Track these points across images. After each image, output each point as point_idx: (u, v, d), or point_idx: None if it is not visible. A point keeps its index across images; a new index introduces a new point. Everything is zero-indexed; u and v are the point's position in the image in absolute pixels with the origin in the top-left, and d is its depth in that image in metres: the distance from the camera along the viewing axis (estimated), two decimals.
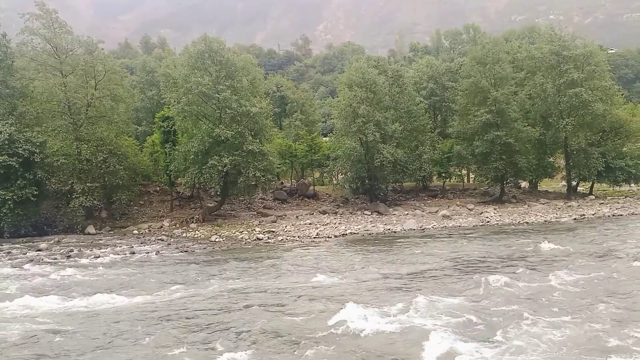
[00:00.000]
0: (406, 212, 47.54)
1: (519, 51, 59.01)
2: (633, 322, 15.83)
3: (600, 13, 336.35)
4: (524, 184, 61.51)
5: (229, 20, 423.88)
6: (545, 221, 42.75)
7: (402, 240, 35.22)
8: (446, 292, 19.86)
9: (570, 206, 48.91)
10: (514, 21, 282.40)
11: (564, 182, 60.98)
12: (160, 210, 49.24)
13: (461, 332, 15.22)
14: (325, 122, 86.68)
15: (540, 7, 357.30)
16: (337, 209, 50.15)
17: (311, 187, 57.67)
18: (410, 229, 40.74)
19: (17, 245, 34.96)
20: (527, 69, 55.72)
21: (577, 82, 50.42)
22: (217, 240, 37.30)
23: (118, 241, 37.38)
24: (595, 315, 16.62)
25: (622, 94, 57.45)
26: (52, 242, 36.56)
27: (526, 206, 49.42)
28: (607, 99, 52.65)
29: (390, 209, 48.40)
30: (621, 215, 44.71)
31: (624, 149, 55.88)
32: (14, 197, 38.77)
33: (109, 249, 33.66)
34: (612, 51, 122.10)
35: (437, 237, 35.81)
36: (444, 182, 58.99)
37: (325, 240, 36.63)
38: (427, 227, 41.39)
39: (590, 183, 58.31)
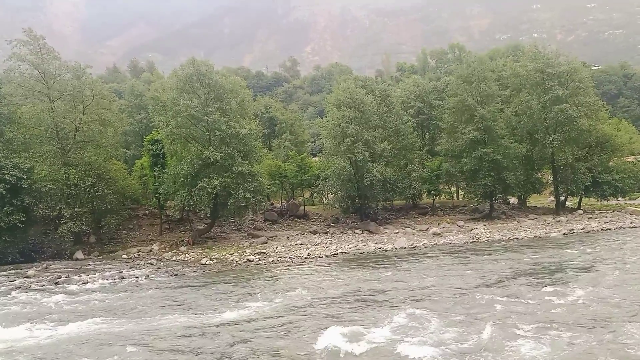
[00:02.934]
0: (397, 230, 47.54)
1: (503, 69, 59.90)
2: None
3: (582, 31, 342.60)
4: (513, 200, 61.90)
5: (216, 44, 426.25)
6: (535, 236, 42.92)
7: (393, 258, 35.14)
8: (437, 310, 19.76)
9: (559, 221, 49.20)
10: (497, 40, 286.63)
11: (552, 198, 61.47)
12: (149, 234, 48.92)
13: (452, 352, 15.14)
14: (315, 142, 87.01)
15: (523, 26, 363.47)
16: (328, 228, 50.08)
17: (301, 207, 57.63)
18: (401, 247, 40.70)
19: (4, 273, 34.40)
20: (513, 87, 56.47)
21: (562, 98, 51.13)
22: (207, 263, 36.99)
23: (107, 266, 36.94)
24: (593, 331, 16.56)
25: (606, 109, 58.37)
26: (40, 268, 36.06)
27: (516, 222, 49.66)
28: (592, 114, 53.42)
29: (381, 228, 48.40)
30: (610, 229, 45.03)
31: (610, 163, 56.53)
32: (1, 223, 38.46)
33: (97, 274, 33.20)
34: (595, 67, 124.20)
35: (428, 255, 35.77)
36: (434, 200, 59.21)
37: (317, 261, 36.42)
38: (418, 244, 41.37)
39: (578, 198, 58.83)
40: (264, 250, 39.95)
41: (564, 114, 50.38)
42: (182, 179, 42.50)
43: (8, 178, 38.91)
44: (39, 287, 29.13)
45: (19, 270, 35.29)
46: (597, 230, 44.53)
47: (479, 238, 43.12)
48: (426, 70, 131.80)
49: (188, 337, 18.07)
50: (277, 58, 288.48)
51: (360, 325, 17.96)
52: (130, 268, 35.72)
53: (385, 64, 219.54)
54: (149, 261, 38.63)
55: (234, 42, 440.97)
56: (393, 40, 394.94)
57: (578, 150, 54.34)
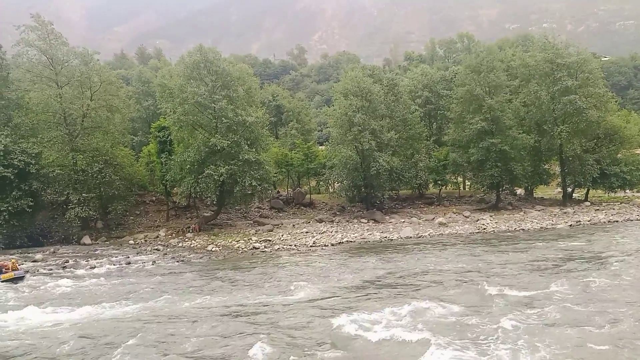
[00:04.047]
0: (402, 220, 47.55)
1: (512, 59, 59.38)
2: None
3: (593, 21, 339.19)
4: (520, 191, 61.66)
5: (224, 32, 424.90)
6: (541, 228, 42.84)
7: (398, 248, 35.20)
8: (443, 300, 19.80)
9: (566, 213, 49.02)
10: (507, 30, 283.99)
11: (559, 189, 61.18)
12: (156, 220, 49.16)
13: (457, 341, 15.18)
14: (321, 131, 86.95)
15: (532, 16, 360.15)
16: (334, 217, 50.13)
17: (307, 196, 57.69)
18: (407, 236, 40.74)
19: (12, 256, 34.69)
20: (521, 77, 56.03)
21: (571, 89, 50.70)
22: (213, 249, 37.19)
23: (114, 251, 37.23)
24: (594, 323, 16.57)
25: (615, 101, 57.82)
26: (47, 252, 36.39)
27: (522, 213, 49.52)
28: (601, 105, 52.96)
29: (387, 217, 48.40)
30: (617, 221, 44.86)
31: (619, 155, 56.12)
32: (10, 208, 38.72)
33: (104, 259, 33.49)
34: (605, 59, 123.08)
35: (434, 245, 35.80)
36: (440, 190, 59.10)
37: (322, 249, 36.57)
38: (423, 234, 41.40)
39: (586, 189, 58.52)
40: (270, 238, 40.10)
41: (573, 105, 50.01)
42: (188, 166, 42.60)
43: (16, 163, 39.16)
44: (46, 271, 29.44)
45: (27, 254, 35.62)
46: (604, 222, 44.37)
47: (485, 229, 43.09)
48: (434, 60, 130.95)
49: (196, 321, 18.22)
50: (284, 46, 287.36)
51: (369, 314, 18.02)
52: (137, 254, 36.02)
53: (393, 53, 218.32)
54: (156, 247, 38.89)
55: (241, 30, 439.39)
56: (401, 29, 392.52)
57: (586, 141, 53.97)
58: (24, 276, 26.93)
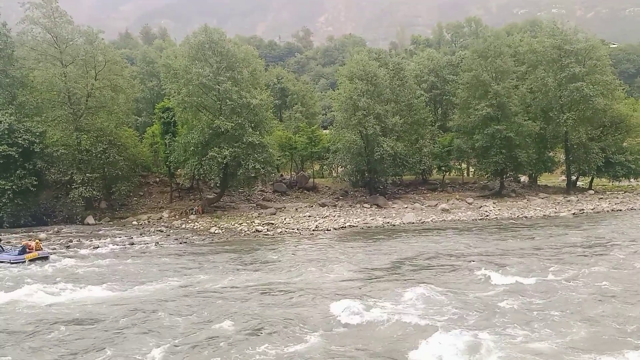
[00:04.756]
0: (405, 206, 47.56)
1: (520, 45, 58.69)
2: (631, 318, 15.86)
3: (603, 7, 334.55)
4: (524, 178, 61.51)
5: (230, 11, 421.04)
6: (544, 215, 42.80)
7: (400, 233, 35.24)
8: (443, 286, 19.86)
9: (569, 201, 48.92)
10: (515, 14, 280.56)
11: (563, 177, 60.99)
12: (159, 202, 49.32)
13: (456, 325, 15.24)
14: (326, 115, 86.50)
15: (542, 1, 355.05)
16: (337, 201, 50.17)
17: (311, 180, 57.68)
18: (410, 222, 40.77)
19: (17, 235, 34.98)
20: (529, 63, 55.48)
21: (579, 76, 50.27)
22: (216, 231, 37.33)
23: (117, 232, 37.42)
24: (591, 310, 16.61)
25: (623, 89, 57.26)
26: (51, 232, 36.64)
27: (525, 200, 49.44)
28: (608, 93, 52.52)
29: (390, 202, 48.41)
30: (620, 210, 44.77)
31: (624, 144, 55.76)
32: (14, 187, 38.91)
33: (108, 239, 33.70)
34: (613, 46, 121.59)
35: (436, 231, 35.82)
36: (444, 176, 58.97)
37: (324, 233, 36.65)
38: (426, 220, 41.42)
39: (590, 178, 58.30)
40: (273, 221, 40.19)
41: (580, 92, 49.61)
42: (192, 147, 42.59)
43: (20, 142, 39.22)
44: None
45: (31, 233, 35.85)
46: (608, 211, 44.27)
47: (487, 215, 43.06)
48: (441, 44, 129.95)
49: (232, 297, 18.73)
50: (290, 28, 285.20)
51: (364, 298, 18.12)
52: (140, 234, 36.21)
53: (399, 37, 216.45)
54: (159, 228, 39.08)
55: (246, 10, 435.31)
56: (408, 13, 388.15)
57: (592, 129, 53.64)
58: (48, 256, 27.21)
